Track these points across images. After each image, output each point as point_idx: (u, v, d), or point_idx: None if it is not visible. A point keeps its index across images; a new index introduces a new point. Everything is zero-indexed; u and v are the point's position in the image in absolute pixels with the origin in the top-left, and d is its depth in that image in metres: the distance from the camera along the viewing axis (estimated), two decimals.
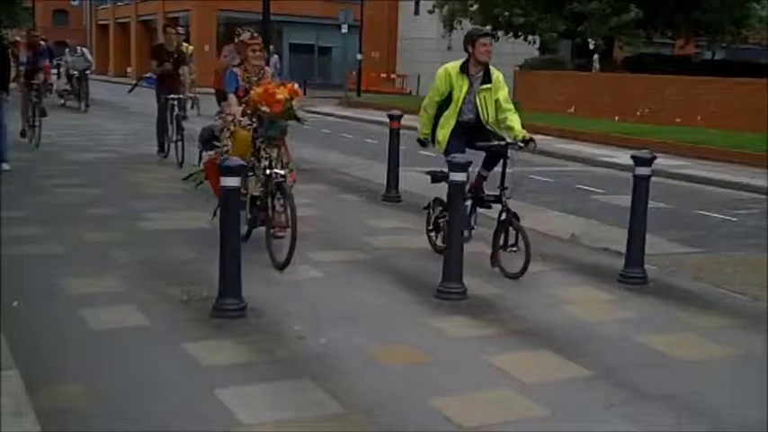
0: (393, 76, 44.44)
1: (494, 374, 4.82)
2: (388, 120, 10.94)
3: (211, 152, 8.13)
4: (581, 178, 13.66)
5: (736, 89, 21.57)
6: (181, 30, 15.67)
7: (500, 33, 31.51)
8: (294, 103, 6.87)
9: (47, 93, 18.50)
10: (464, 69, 7.08)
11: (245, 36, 7.69)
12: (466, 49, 7.10)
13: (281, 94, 6.77)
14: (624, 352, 5.31)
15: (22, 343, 4.89)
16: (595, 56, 29.08)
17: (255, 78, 7.52)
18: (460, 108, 7.11)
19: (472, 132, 7.15)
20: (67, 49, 23.89)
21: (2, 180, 9.90)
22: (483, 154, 7.29)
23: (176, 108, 12.67)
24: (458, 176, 6.30)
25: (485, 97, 7.11)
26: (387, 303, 6.11)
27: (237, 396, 4.34)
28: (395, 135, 10.69)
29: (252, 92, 7.02)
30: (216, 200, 7.23)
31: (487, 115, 7.13)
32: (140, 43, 52.75)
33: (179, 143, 12.48)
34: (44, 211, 8.92)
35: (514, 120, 7.06)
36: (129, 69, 52.89)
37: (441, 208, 7.35)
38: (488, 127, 7.14)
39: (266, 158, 7.05)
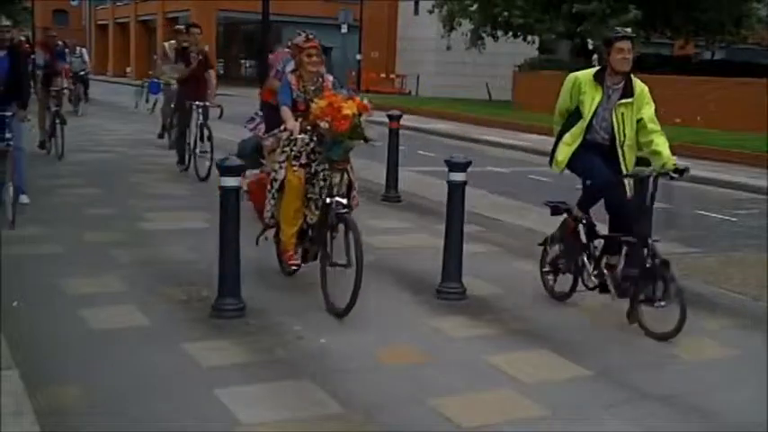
0: (393, 76, 44.46)
1: (494, 374, 4.82)
2: (387, 120, 10.94)
3: (255, 171, 6.91)
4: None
5: (736, 89, 21.56)
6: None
7: (499, 33, 31.59)
8: (362, 119, 5.85)
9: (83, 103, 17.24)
10: (599, 78, 5.94)
11: (300, 39, 6.55)
12: (605, 54, 5.99)
13: (349, 109, 5.72)
14: (624, 352, 5.32)
15: (22, 343, 4.89)
16: (594, 56, 29.08)
17: (313, 88, 6.39)
18: (590, 124, 5.94)
19: (606, 158, 5.94)
20: (67, 50, 23.77)
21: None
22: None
23: (201, 116, 11.48)
24: (457, 176, 6.31)
25: (623, 113, 5.88)
26: (387, 303, 6.11)
27: (237, 396, 4.34)
28: (394, 135, 10.69)
29: (313, 105, 5.92)
30: (259, 224, 6.56)
31: (624, 136, 5.89)
32: (140, 43, 52.82)
33: (206, 154, 11.17)
34: (44, 211, 8.91)
35: (662, 143, 5.78)
36: (128, 69, 52.91)
37: (561, 246, 6.32)
38: (621, 151, 5.91)
39: (324, 182, 6.00)
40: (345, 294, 5.55)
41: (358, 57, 36.79)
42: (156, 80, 16.59)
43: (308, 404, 4.31)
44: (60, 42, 15.41)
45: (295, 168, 6.08)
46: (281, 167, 6.19)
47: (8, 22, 9.11)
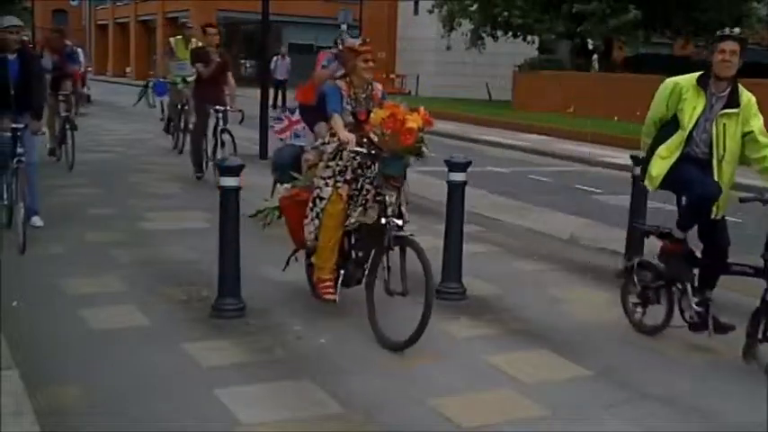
0: (392, 75, 44.43)
1: (494, 374, 4.82)
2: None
3: (288, 185, 6.20)
4: (580, 178, 13.67)
5: None
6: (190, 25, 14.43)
7: (499, 33, 31.62)
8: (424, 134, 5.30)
9: (85, 104, 16.11)
10: (702, 84, 5.24)
11: (355, 42, 5.86)
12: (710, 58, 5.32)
13: (414, 122, 5.16)
14: (624, 352, 5.32)
15: (22, 343, 4.89)
16: (594, 56, 29.11)
17: (363, 96, 5.75)
18: (691, 135, 5.22)
19: (704, 174, 5.24)
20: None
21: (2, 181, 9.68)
22: None
23: (221, 121, 10.84)
24: (457, 176, 6.31)
25: (725, 125, 5.17)
26: (385, 303, 6.11)
27: (237, 396, 4.34)
28: None
29: (373, 114, 5.32)
30: (289, 245, 6.08)
31: (723, 150, 5.18)
32: (139, 43, 52.82)
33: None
34: (44, 210, 8.91)
35: None
36: (127, 69, 52.92)
37: (651, 274, 5.57)
38: (718, 166, 5.21)
39: (364, 197, 5.45)
40: (401, 324, 5.07)
41: None
42: (161, 80, 15.14)
43: (308, 404, 4.31)
44: (68, 43, 13.95)
45: (339, 185, 5.53)
46: (326, 184, 5.57)
47: (19, 22, 7.94)
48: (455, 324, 5.69)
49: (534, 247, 8.23)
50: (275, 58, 27.13)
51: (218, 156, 10.56)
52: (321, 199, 5.57)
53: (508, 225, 9.39)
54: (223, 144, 10.73)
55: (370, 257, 5.43)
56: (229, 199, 5.61)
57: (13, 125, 7.44)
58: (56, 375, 4.54)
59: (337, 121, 5.53)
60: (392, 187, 5.28)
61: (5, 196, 7.69)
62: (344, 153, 5.48)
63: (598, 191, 12.57)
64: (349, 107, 5.64)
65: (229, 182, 5.58)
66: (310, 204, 5.62)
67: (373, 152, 5.30)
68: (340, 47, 7.78)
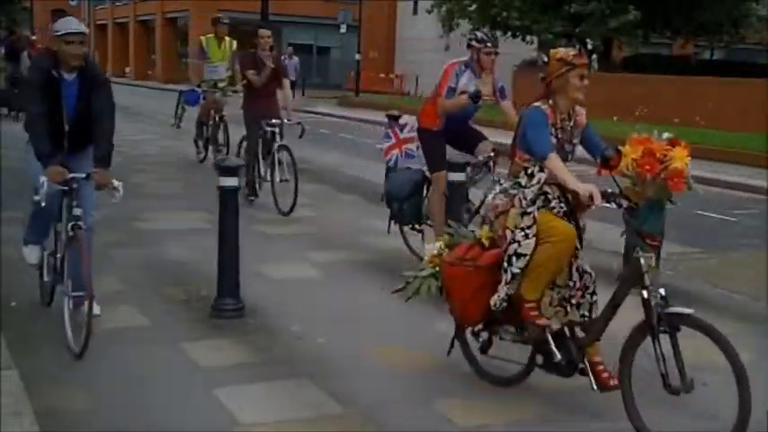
0: (391, 76, 44.45)
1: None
2: (386, 120, 10.85)
3: (440, 244, 4.83)
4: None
5: (735, 89, 21.57)
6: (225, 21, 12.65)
7: (498, 33, 31.66)
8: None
9: None
10: None
11: (568, 52, 4.32)
12: None
13: (681, 160, 4.01)
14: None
15: (22, 343, 4.89)
16: (593, 56, 29.12)
17: (570, 124, 4.50)
18: None
19: None
20: None
21: (1, 179, 9.70)
22: None
23: (277, 136, 9.47)
24: (457, 176, 6.32)
25: None
26: (387, 303, 6.11)
27: (236, 396, 4.35)
28: None
29: (625, 154, 4.18)
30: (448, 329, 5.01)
31: None
32: (138, 43, 52.80)
33: (287, 183, 9.26)
34: None
35: None
36: (126, 70, 52.88)
37: None
38: None
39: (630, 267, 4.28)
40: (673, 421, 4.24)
41: (357, 57, 36.80)
42: (197, 89, 12.78)
43: (307, 404, 4.31)
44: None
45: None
46: (526, 236, 4.24)
47: (82, 28, 5.36)
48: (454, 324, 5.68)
49: None
50: (282, 57, 27.11)
51: (279, 177, 9.34)
52: (521, 256, 4.24)
53: None
54: (281, 162, 9.37)
55: (627, 339, 4.25)
56: (229, 199, 5.61)
57: (70, 175, 5.03)
58: (56, 375, 4.54)
59: (559, 166, 4.22)
60: (651, 248, 4.10)
61: (46, 272, 5.69)
62: (550, 198, 4.39)
63: None
64: (554, 140, 4.36)
65: (229, 182, 5.58)
66: (505, 264, 4.30)
67: (626, 205, 4.16)
68: (473, 45, 6.66)
